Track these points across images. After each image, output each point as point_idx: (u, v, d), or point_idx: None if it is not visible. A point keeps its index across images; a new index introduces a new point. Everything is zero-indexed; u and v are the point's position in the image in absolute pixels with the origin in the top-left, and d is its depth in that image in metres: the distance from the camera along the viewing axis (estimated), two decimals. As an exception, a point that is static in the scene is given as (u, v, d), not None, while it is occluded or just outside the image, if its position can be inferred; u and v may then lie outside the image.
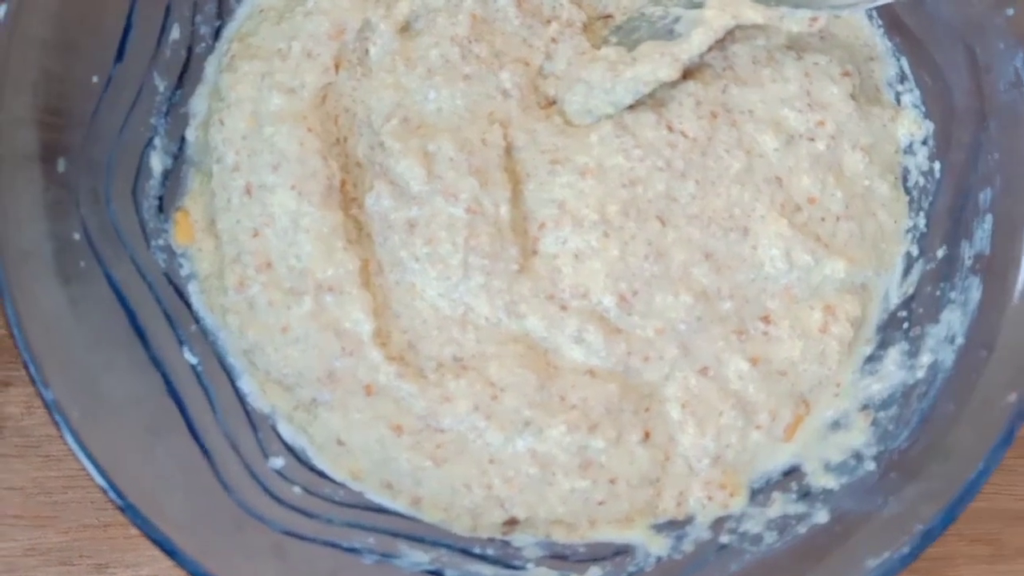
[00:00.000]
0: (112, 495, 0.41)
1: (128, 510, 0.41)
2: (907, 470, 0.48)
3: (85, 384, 0.44)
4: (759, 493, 0.52)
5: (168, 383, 0.48)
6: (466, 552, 0.49)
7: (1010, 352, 0.48)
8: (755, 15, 0.51)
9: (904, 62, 0.57)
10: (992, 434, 0.45)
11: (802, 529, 0.48)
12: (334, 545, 0.47)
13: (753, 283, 0.54)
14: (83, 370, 0.45)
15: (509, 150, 0.54)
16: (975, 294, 0.51)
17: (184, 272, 0.53)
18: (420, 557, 0.48)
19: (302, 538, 0.46)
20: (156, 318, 0.50)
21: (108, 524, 0.55)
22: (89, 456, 0.42)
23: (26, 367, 0.42)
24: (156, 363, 0.48)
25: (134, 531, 0.51)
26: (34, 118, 0.46)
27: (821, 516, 0.49)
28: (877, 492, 0.48)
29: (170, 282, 0.52)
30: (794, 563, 0.47)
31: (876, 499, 0.48)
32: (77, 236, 0.47)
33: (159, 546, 0.42)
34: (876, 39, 0.58)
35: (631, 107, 0.54)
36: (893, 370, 0.53)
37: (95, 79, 0.49)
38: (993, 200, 0.51)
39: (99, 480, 0.41)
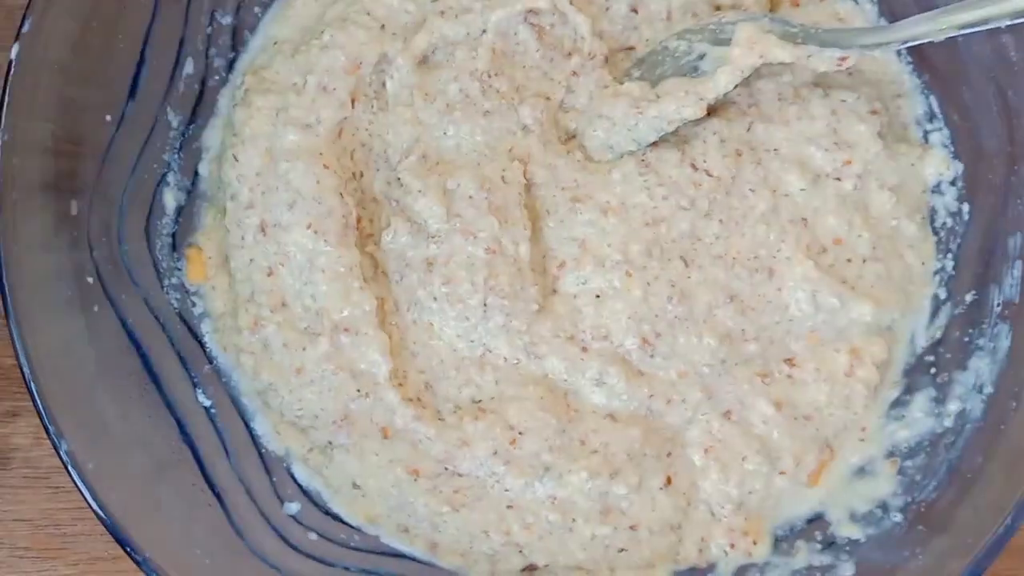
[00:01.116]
0: (128, 550, 0.41)
1: (144, 564, 0.41)
2: (934, 523, 0.48)
3: (99, 433, 0.44)
4: (783, 541, 0.51)
5: (181, 427, 0.48)
6: None
7: None
8: (782, 54, 0.50)
9: (933, 100, 0.56)
10: (1020, 488, 0.45)
11: None
12: None
13: (778, 325, 0.53)
14: (97, 419, 0.45)
15: (529, 187, 0.55)
16: (1004, 342, 0.50)
17: (197, 311, 0.54)
18: None
19: None
20: (170, 360, 0.50)
21: (117, 556, 0.56)
22: (103, 509, 0.42)
23: (40, 418, 0.42)
24: (170, 407, 0.49)
25: None
26: (49, 146, 0.46)
27: (846, 569, 0.48)
28: (904, 545, 0.48)
29: (183, 321, 0.52)
30: None
31: (903, 552, 0.48)
32: (91, 280, 0.47)
33: None
34: (904, 75, 0.57)
35: (654, 144, 0.54)
36: (920, 417, 0.52)
37: (108, 118, 0.49)
38: (1023, 247, 0.51)
39: (114, 534, 0.41)
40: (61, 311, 0.45)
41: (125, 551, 0.41)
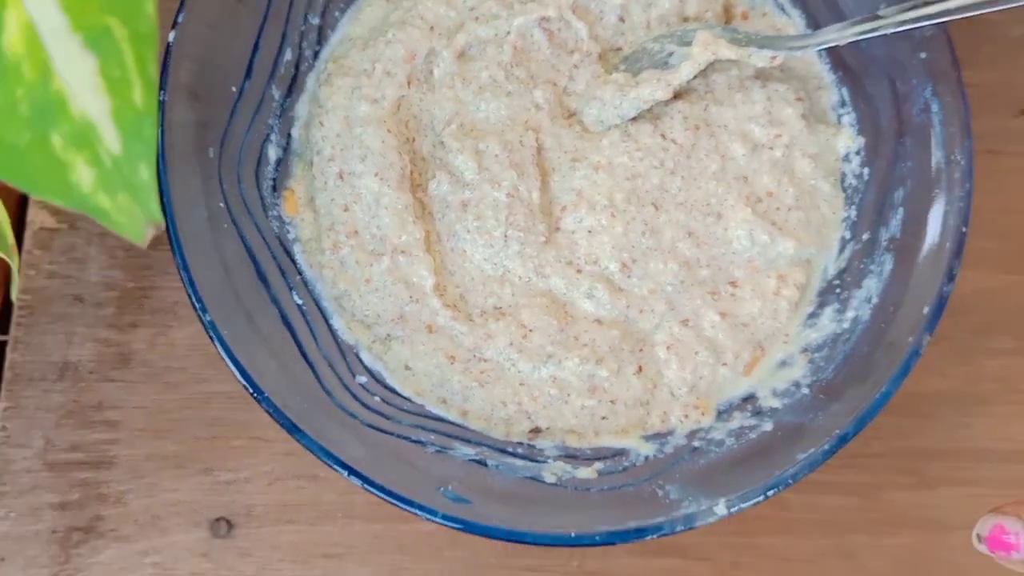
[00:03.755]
0: (252, 391, 0.48)
1: (263, 400, 0.48)
2: (832, 393, 0.53)
3: (229, 315, 0.50)
4: (724, 413, 0.56)
5: (283, 317, 0.53)
6: (502, 451, 0.54)
7: (911, 309, 0.52)
8: (730, 53, 0.55)
9: (844, 91, 0.61)
10: (894, 368, 0.50)
11: (753, 435, 0.53)
12: (405, 438, 0.52)
13: (724, 256, 0.58)
14: (227, 305, 0.50)
15: (540, 150, 0.58)
16: (888, 267, 0.55)
17: (291, 236, 0.58)
18: (468, 450, 0.53)
19: (382, 431, 0.51)
20: (273, 269, 0.55)
21: (214, 437, 0.62)
22: (236, 362, 0.48)
23: (192, 299, 0.49)
24: (274, 302, 0.53)
25: (235, 442, 0.62)
26: (196, 117, 0.52)
27: (767, 426, 0.53)
28: (809, 409, 0.53)
29: (281, 244, 0.56)
30: (746, 458, 0.51)
31: (808, 415, 0.52)
32: (222, 205, 0.53)
33: (283, 425, 0.47)
34: (824, 72, 0.61)
35: (634, 119, 0.58)
36: (827, 323, 0.56)
37: (233, 89, 0.55)
38: (904, 197, 0.55)
39: (242, 380, 0.48)
40: (203, 226, 0.50)
41: (250, 391, 0.48)
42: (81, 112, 0.30)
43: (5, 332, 0.63)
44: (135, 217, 0.31)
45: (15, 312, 0.63)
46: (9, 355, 0.62)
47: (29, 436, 0.61)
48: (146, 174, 0.31)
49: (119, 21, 0.30)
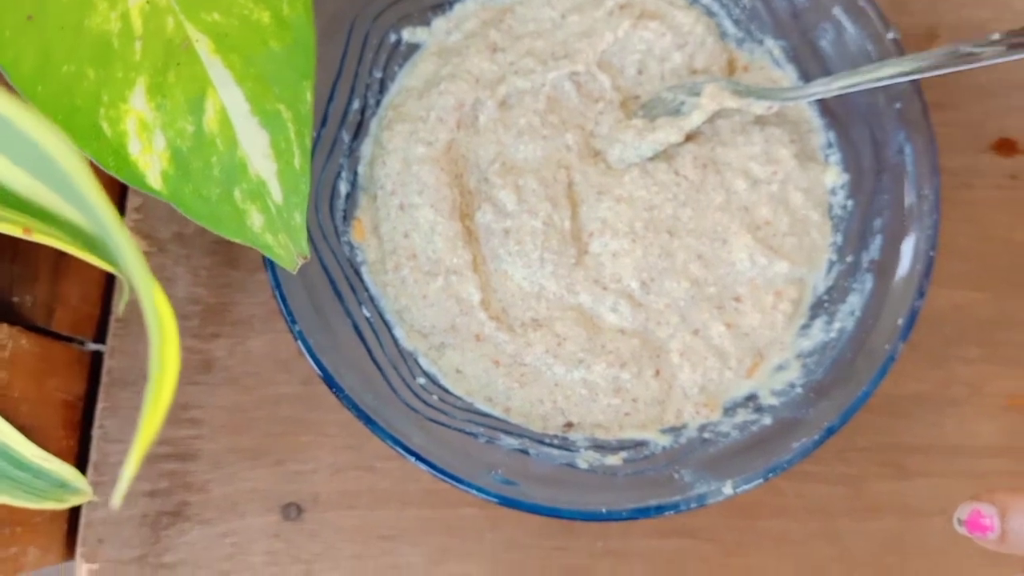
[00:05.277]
0: (334, 388, 0.53)
1: (342, 395, 0.52)
2: (821, 392, 0.57)
3: (313, 325, 0.55)
4: (729, 410, 0.60)
5: (355, 327, 0.58)
6: (541, 442, 0.58)
7: (888, 321, 0.56)
8: (733, 103, 0.60)
9: (831, 134, 0.65)
10: (873, 371, 0.55)
11: (755, 428, 0.57)
12: (460, 430, 0.57)
13: (729, 275, 0.61)
14: (311, 317, 0.55)
15: (570, 185, 0.61)
16: (868, 285, 0.59)
17: (359, 259, 0.62)
18: (512, 441, 0.57)
19: (439, 423, 0.56)
20: (345, 287, 0.59)
21: (284, 433, 0.65)
22: (321, 365, 0.53)
23: (284, 314, 0.53)
24: (348, 315, 0.58)
25: (302, 438, 0.65)
26: None
27: (767, 420, 0.57)
28: (803, 406, 0.57)
29: (352, 265, 0.61)
30: (749, 447, 0.56)
31: (802, 410, 0.56)
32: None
33: (360, 417, 0.52)
34: (813, 118, 0.66)
35: (651, 158, 0.62)
36: (817, 333, 0.60)
37: (313, 135, 0.51)
38: (883, 226, 0.60)
39: (325, 379, 0.52)
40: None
41: (331, 389, 0.52)
42: (256, 173, 0.39)
43: (103, 342, 0.68)
44: (289, 251, 0.40)
45: (112, 324, 0.67)
46: (107, 362, 0.67)
47: (124, 432, 0.65)
48: (299, 219, 0.40)
49: (286, 106, 0.39)
